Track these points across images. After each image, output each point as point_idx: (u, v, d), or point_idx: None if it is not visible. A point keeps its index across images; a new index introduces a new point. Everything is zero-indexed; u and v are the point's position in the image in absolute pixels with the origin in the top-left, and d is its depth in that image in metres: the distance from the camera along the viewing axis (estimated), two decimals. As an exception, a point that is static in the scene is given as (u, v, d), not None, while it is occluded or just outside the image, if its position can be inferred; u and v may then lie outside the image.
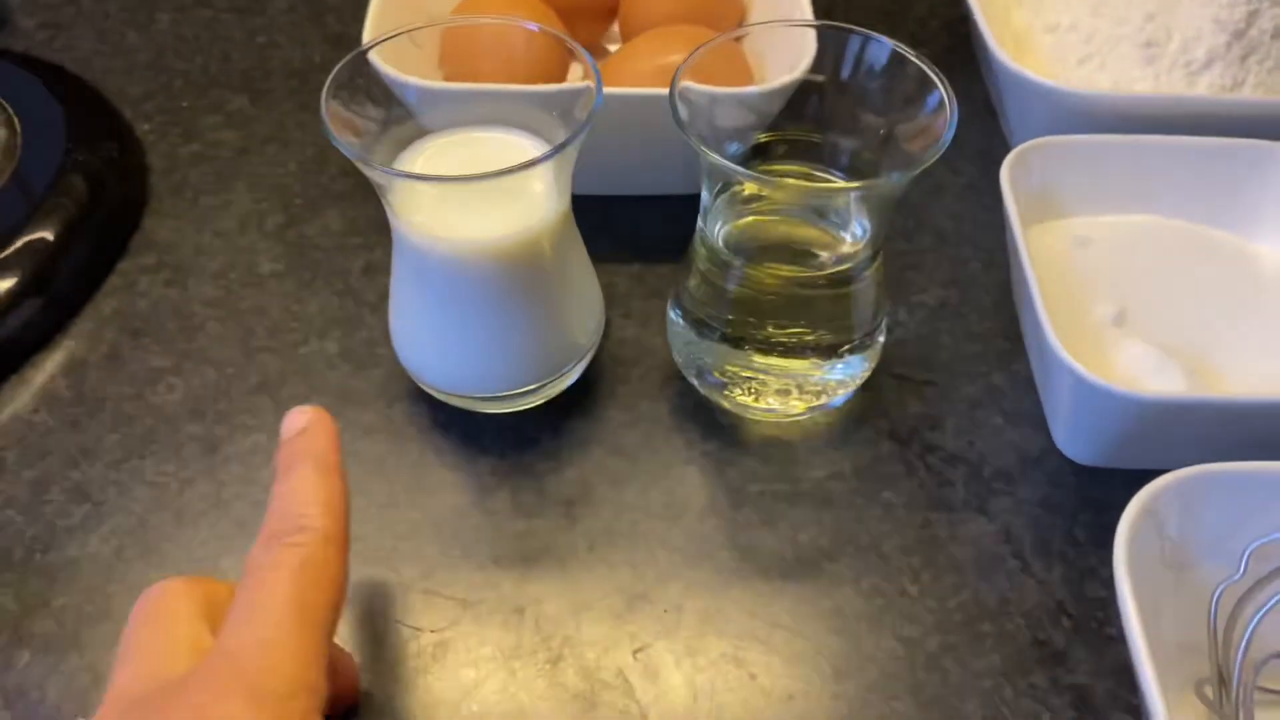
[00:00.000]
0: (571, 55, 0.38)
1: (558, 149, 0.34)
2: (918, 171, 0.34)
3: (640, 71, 0.48)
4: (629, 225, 0.50)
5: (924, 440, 0.42)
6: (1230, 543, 0.32)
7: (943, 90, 0.36)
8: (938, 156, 0.34)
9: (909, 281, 0.48)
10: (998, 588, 0.38)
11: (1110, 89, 0.49)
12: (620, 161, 0.49)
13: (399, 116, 0.38)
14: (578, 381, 0.43)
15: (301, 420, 0.32)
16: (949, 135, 0.35)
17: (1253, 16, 0.47)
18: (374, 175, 0.34)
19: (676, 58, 0.47)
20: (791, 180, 0.39)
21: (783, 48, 0.47)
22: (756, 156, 0.41)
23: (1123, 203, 0.45)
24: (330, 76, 0.35)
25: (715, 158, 0.34)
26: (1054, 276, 0.43)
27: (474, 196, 0.35)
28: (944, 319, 0.47)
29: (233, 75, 0.58)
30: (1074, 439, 0.40)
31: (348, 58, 0.36)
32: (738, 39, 0.47)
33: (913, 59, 0.37)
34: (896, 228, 0.51)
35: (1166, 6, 0.48)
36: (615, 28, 0.56)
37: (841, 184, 0.39)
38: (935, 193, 0.52)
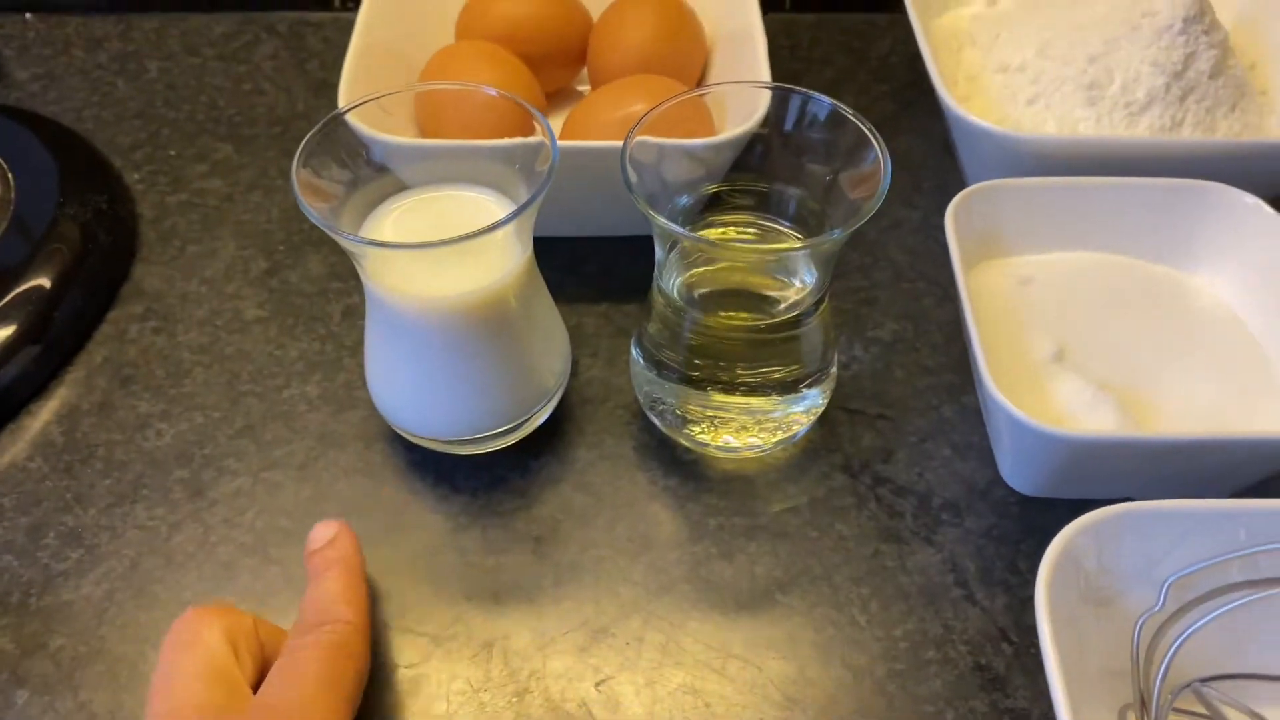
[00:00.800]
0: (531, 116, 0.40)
1: (516, 212, 0.36)
2: (855, 227, 0.36)
3: (604, 122, 0.50)
4: (596, 265, 0.52)
5: (875, 473, 0.45)
6: (1151, 575, 0.34)
7: (878, 148, 0.38)
8: (875, 210, 0.37)
9: (865, 317, 0.50)
10: (943, 616, 0.40)
11: (1055, 129, 0.51)
12: (585, 206, 0.51)
13: (366, 176, 0.40)
14: (547, 421, 0.45)
15: (328, 532, 0.38)
16: (884, 188, 0.37)
17: (1190, 59, 0.50)
18: (344, 243, 0.37)
19: (639, 107, 0.49)
20: (736, 245, 0.41)
21: (737, 102, 0.49)
22: (709, 207, 0.43)
23: (1066, 241, 0.47)
24: (300, 147, 0.37)
25: (663, 221, 0.36)
26: (998, 314, 0.45)
27: (440, 257, 0.37)
28: (898, 353, 0.49)
29: (220, 123, 0.60)
30: (1016, 471, 0.43)
31: (317, 127, 0.38)
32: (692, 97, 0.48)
33: (851, 118, 0.39)
34: (853, 264, 0.53)
35: (1108, 49, 0.50)
36: (586, 71, 0.58)
37: (782, 246, 0.41)
38: (892, 228, 0.55)
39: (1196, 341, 0.45)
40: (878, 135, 0.38)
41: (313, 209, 0.36)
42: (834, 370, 0.44)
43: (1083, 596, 0.33)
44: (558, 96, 0.59)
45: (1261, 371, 0.43)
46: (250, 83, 0.63)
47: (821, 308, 0.41)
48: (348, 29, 0.53)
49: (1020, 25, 0.55)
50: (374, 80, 0.51)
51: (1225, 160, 0.47)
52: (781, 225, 0.43)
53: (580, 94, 0.59)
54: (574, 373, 0.47)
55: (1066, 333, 0.44)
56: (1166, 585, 0.34)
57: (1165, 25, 0.49)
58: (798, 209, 0.42)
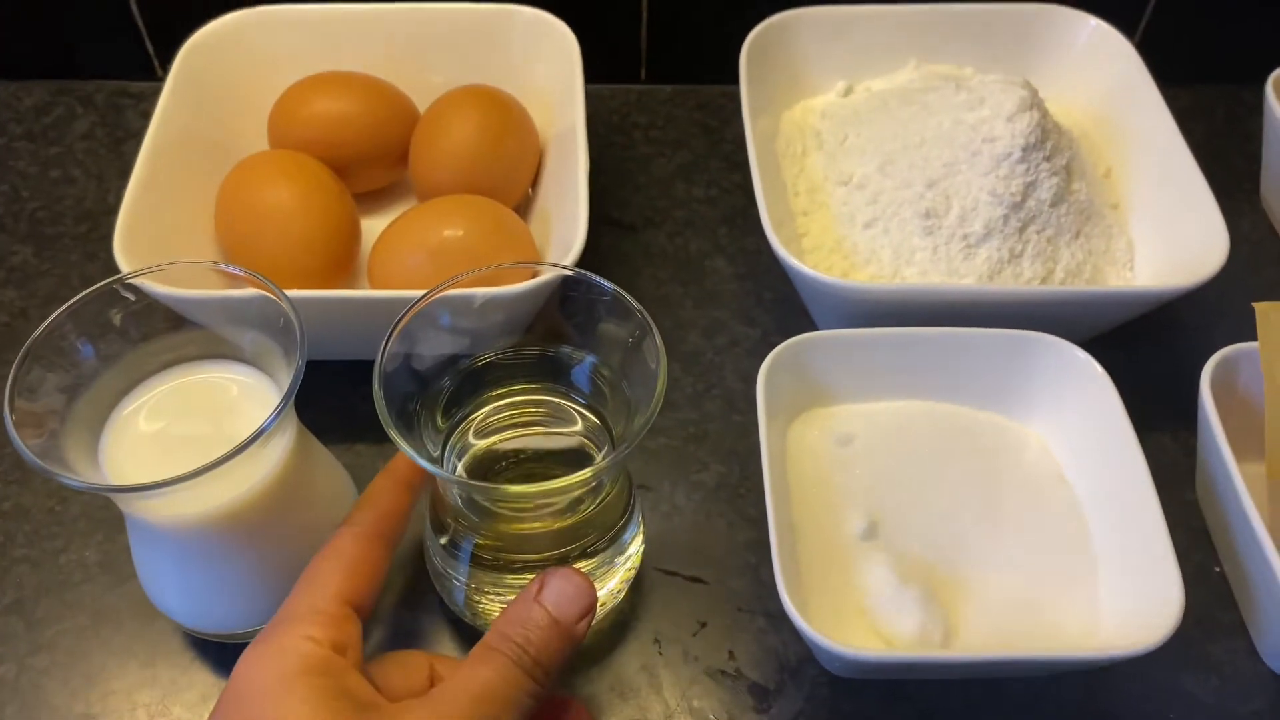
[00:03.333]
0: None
1: (270, 421, 0.33)
2: (635, 443, 0.34)
3: (409, 254, 0.47)
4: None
5: (685, 648, 0.42)
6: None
7: (657, 348, 0.35)
8: (651, 422, 0.34)
9: (690, 457, 0.48)
10: (739, 820, 0.39)
11: (891, 257, 0.48)
12: (363, 342, 0.47)
13: (90, 372, 0.36)
14: (341, 590, 0.42)
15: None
16: (660, 392, 0.34)
17: (1030, 188, 0.47)
18: (72, 485, 0.33)
19: (453, 232, 0.46)
20: (511, 488, 0.37)
21: (558, 235, 0.46)
22: (493, 371, 0.40)
23: (894, 389, 0.45)
24: (10, 380, 0.33)
25: (427, 466, 0.33)
26: (812, 480, 0.43)
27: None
28: (720, 500, 0.47)
29: (20, 219, 0.56)
30: (822, 656, 0.41)
31: (28, 345, 0.34)
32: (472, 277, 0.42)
33: (633, 306, 0.36)
34: (684, 391, 0.50)
35: (948, 173, 0.48)
36: (411, 171, 0.54)
37: (559, 483, 0.34)
38: (730, 347, 0.52)
39: (1020, 505, 0.43)
40: (655, 332, 0.35)
41: (23, 441, 0.32)
42: (636, 534, 0.42)
43: None
44: (388, 194, 0.55)
45: (1081, 549, 0.41)
46: (59, 168, 0.59)
47: (616, 487, 0.39)
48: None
49: (869, 127, 0.52)
50: (161, 201, 0.47)
51: (1059, 306, 0.45)
52: (574, 400, 0.40)
53: (410, 187, 0.55)
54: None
55: (883, 500, 0.42)
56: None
57: (1004, 153, 0.47)
58: (593, 376, 0.40)
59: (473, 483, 0.38)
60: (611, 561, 0.41)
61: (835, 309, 0.47)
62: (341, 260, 0.49)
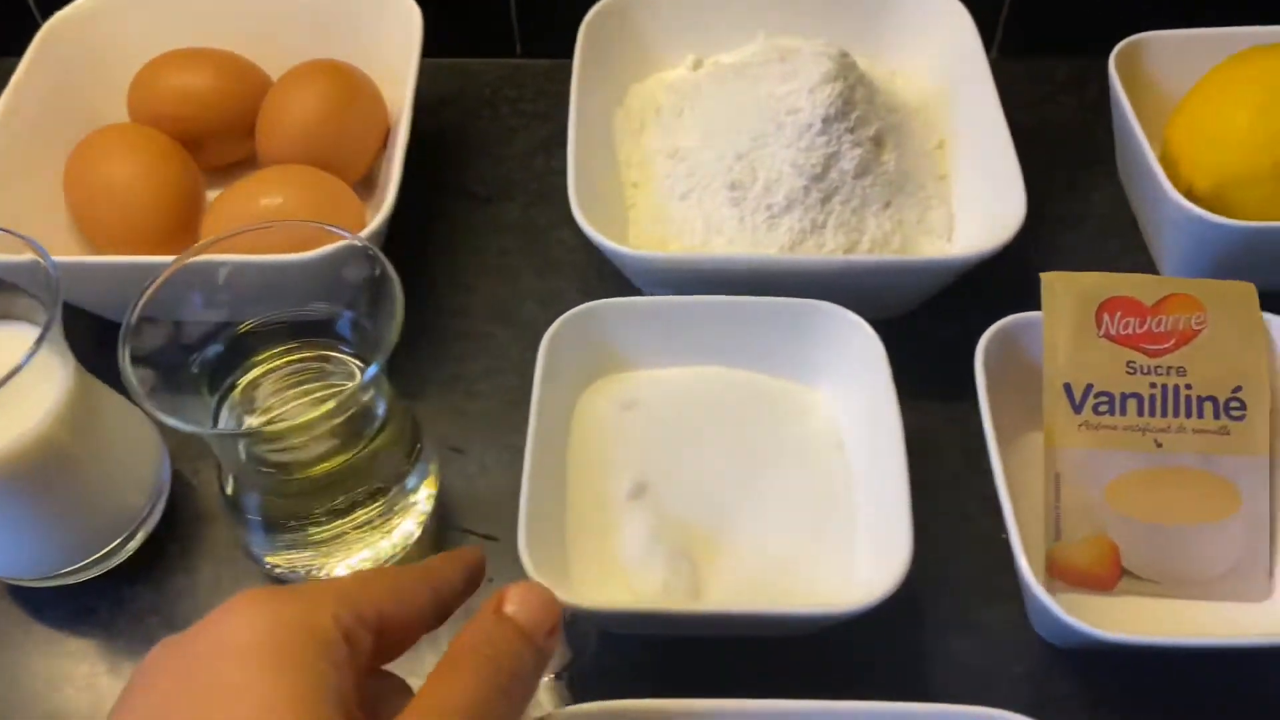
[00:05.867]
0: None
1: (26, 359, 0.35)
2: (382, 362, 0.36)
3: (233, 215, 0.49)
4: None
5: (468, 603, 0.44)
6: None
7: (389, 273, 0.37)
8: (394, 340, 0.36)
9: (506, 420, 0.49)
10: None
11: (703, 228, 0.49)
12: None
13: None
14: (151, 538, 0.45)
15: None
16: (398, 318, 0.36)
17: (832, 159, 0.48)
18: None
19: (270, 200, 0.48)
20: (270, 428, 0.40)
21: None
22: (270, 336, 0.42)
23: (682, 356, 0.46)
24: None
25: (179, 425, 0.35)
26: (592, 445, 0.44)
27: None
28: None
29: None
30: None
31: None
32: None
33: (375, 254, 0.38)
34: (513, 359, 0.51)
35: (755, 145, 0.48)
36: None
37: (309, 415, 0.36)
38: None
39: (792, 468, 0.44)
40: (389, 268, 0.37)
41: None
42: (423, 487, 0.44)
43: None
44: (248, 166, 0.57)
45: (844, 513, 0.42)
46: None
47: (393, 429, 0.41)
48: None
49: (704, 100, 0.53)
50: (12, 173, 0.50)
51: (851, 276, 0.46)
52: (345, 348, 0.41)
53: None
54: (179, 488, 0.46)
55: (654, 462, 0.43)
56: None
57: (805, 125, 0.47)
58: (353, 330, 0.41)
59: (227, 432, 0.40)
60: (392, 507, 0.42)
61: (643, 278, 0.49)
62: (182, 228, 0.51)
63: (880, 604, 0.37)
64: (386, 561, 0.44)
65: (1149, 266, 0.54)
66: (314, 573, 0.43)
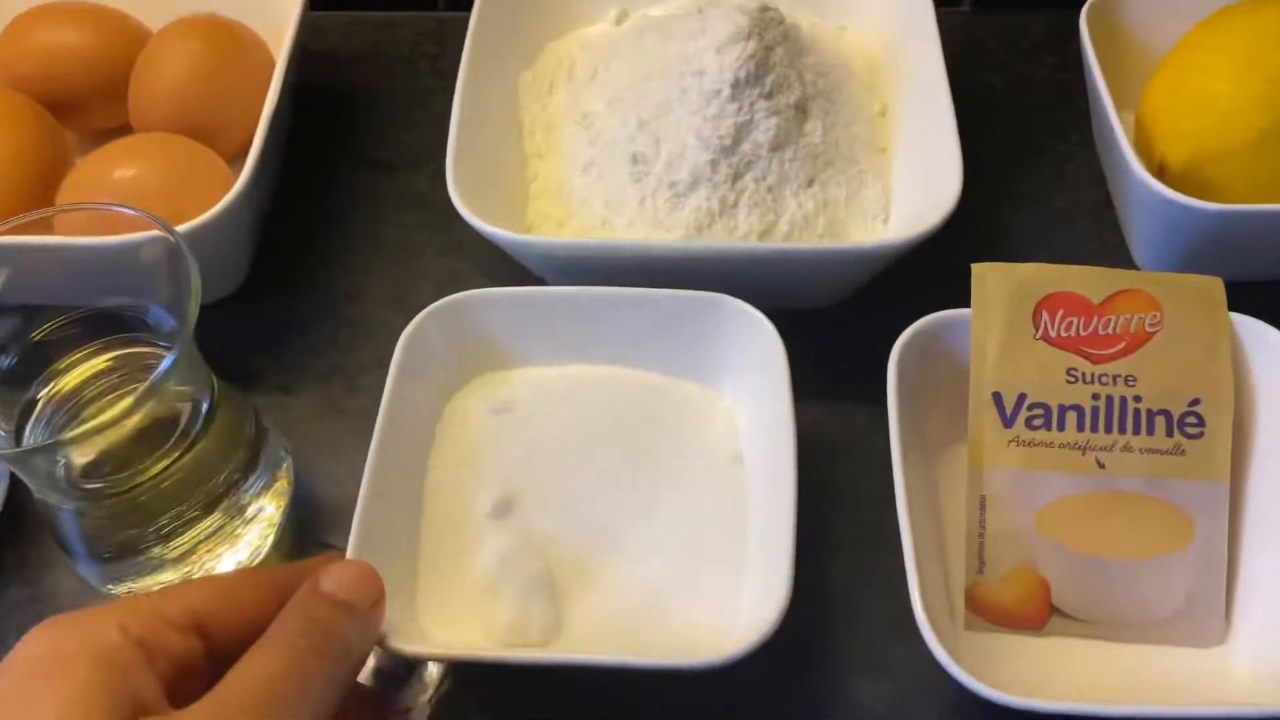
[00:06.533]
0: None
1: None
2: (181, 351, 0.32)
3: (86, 189, 0.44)
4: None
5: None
6: None
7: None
8: (193, 321, 0.33)
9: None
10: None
11: (602, 206, 0.44)
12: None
13: None
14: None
15: None
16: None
17: (743, 129, 0.42)
18: None
19: (124, 173, 0.43)
20: (68, 434, 0.34)
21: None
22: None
23: (567, 354, 0.41)
24: None
25: None
26: (461, 450, 0.39)
27: None
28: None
29: None
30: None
31: None
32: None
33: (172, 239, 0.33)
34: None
35: (659, 113, 0.43)
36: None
37: (107, 415, 0.32)
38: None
39: (686, 484, 0.38)
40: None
41: None
42: (267, 494, 0.39)
43: None
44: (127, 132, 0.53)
45: (735, 539, 0.37)
46: None
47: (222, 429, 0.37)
48: None
49: (620, 59, 0.47)
50: None
51: (758, 264, 0.40)
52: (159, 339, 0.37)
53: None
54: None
55: (525, 475, 0.38)
56: None
57: (713, 90, 0.42)
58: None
59: (23, 450, 0.36)
60: (233, 517, 0.38)
61: (534, 265, 0.43)
62: (37, 199, 0.46)
63: (760, 647, 0.33)
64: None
65: (1121, 251, 0.48)
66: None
